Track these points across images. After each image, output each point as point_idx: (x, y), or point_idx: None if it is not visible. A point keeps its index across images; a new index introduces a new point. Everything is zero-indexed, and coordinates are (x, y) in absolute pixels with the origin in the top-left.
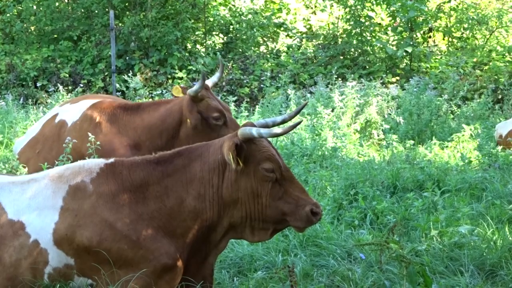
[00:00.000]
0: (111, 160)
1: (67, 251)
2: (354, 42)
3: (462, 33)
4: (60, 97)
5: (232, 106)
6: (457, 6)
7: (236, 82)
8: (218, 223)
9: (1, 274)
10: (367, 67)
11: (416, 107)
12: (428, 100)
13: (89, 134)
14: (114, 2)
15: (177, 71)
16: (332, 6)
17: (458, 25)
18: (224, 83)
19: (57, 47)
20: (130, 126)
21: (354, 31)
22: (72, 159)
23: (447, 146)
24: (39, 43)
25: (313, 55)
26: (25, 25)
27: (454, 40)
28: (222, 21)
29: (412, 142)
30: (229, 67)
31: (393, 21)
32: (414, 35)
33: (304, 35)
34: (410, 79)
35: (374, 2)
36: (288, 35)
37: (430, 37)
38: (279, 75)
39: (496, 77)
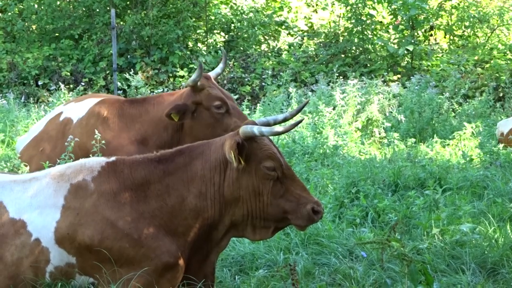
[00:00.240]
0: (113, 158)
1: (68, 249)
2: (356, 40)
3: (463, 31)
4: (62, 95)
5: None
6: (458, 4)
7: (238, 81)
8: (220, 222)
9: (3, 273)
10: (369, 65)
11: (417, 105)
12: (430, 98)
13: (96, 130)
14: (115, 0)
15: (178, 69)
16: (334, 4)
17: (459, 23)
18: (225, 82)
19: (59, 46)
20: (137, 120)
21: (355, 29)
22: (74, 158)
23: (448, 144)
24: (40, 41)
25: (314, 53)
26: (26, 23)
27: (455, 38)
28: (223, 20)
29: (413, 140)
30: (231, 65)
31: (394, 19)
32: (416, 33)
33: (305, 34)
34: (412, 77)
35: (375, 0)
36: (289, 33)
37: (431, 35)
38: (281, 73)
39: (497, 75)
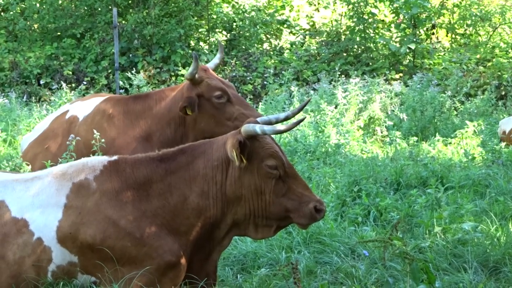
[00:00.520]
0: (115, 157)
1: (70, 248)
2: (357, 39)
3: (465, 30)
4: (64, 94)
5: None
6: (460, 2)
7: (239, 79)
8: (222, 220)
9: (5, 272)
10: (370, 63)
11: (419, 103)
12: (432, 97)
13: (97, 129)
14: None
15: (180, 68)
16: (335, 3)
17: (461, 21)
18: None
19: (60, 45)
20: (141, 116)
21: (357, 28)
22: (79, 155)
23: (450, 143)
24: (42, 40)
25: (316, 52)
26: (28, 22)
27: (457, 36)
28: (225, 18)
29: (415, 138)
30: (233, 64)
31: (396, 17)
32: (417, 32)
33: (307, 32)
34: (414, 75)
35: None
36: (291, 32)
37: (433, 33)
38: (282, 72)
39: (499, 73)
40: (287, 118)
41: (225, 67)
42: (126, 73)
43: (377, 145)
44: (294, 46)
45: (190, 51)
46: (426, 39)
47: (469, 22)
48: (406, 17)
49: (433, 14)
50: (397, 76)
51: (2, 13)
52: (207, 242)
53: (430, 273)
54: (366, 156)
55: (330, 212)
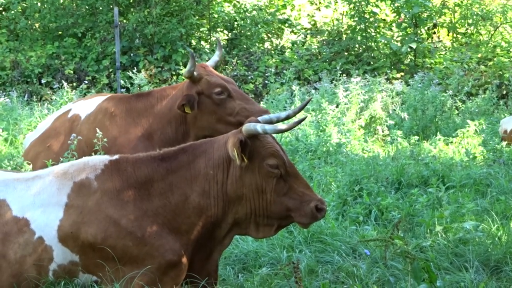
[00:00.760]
0: (116, 156)
1: (72, 248)
2: (359, 38)
3: (467, 29)
4: (65, 93)
5: None
6: (462, 1)
7: (241, 78)
8: (223, 220)
9: (6, 271)
10: (372, 63)
11: (420, 102)
12: (433, 96)
13: (98, 129)
14: None
15: (181, 67)
16: (337, 2)
17: (462, 20)
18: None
19: (62, 44)
20: (143, 115)
21: (358, 27)
22: (81, 154)
23: (451, 142)
24: (43, 40)
25: (317, 51)
26: (29, 22)
27: (458, 35)
28: (226, 18)
29: (416, 137)
30: (234, 63)
31: (397, 17)
32: (419, 31)
33: (308, 31)
34: (415, 75)
35: None
36: (292, 31)
37: (434, 33)
38: (284, 71)
39: (500, 72)
40: (288, 117)
41: (226, 66)
42: (128, 72)
43: (378, 144)
44: (295, 45)
45: (191, 50)
46: (428, 38)
47: (470, 21)
48: (407, 16)
49: (434, 13)
50: (398, 75)
51: (3, 12)
52: (208, 241)
53: (431, 272)
54: (367, 155)
55: (331, 211)
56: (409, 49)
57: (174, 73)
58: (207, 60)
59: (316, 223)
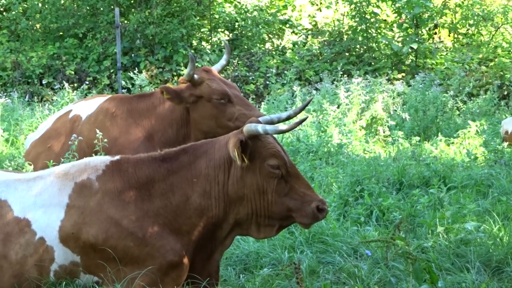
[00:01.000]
0: (117, 157)
1: (73, 248)
2: (360, 38)
3: (468, 30)
4: (66, 94)
5: None
6: (463, 2)
7: (242, 79)
8: (224, 220)
9: (7, 271)
10: (373, 63)
11: (421, 103)
12: (434, 97)
13: (99, 129)
14: None
15: (182, 68)
16: (338, 2)
17: (463, 21)
18: (229, 80)
19: (63, 45)
20: (145, 115)
21: (359, 27)
22: (82, 154)
23: (453, 143)
24: (44, 40)
25: (318, 51)
26: (30, 22)
27: (459, 36)
28: (227, 18)
29: (418, 138)
30: (235, 64)
31: (398, 17)
32: (420, 32)
33: (309, 32)
34: (416, 75)
35: None
36: (293, 32)
37: (435, 33)
38: (285, 71)
39: (501, 73)
40: (289, 118)
41: (227, 67)
42: (129, 73)
43: (379, 145)
44: (296, 46)
45: (192, 51)
46: (429, 39)
47: (471, 22)
48: (408, 16)
49: (435, 14)
50: (399, 76)
51: (4, 13)
52: (209, 242)
53: (432, 273)
54: (369, 156)
55: (333, 212)
56: (410, 50)
57: (175, 73)
58: (208, 61)
59: (317, 224)
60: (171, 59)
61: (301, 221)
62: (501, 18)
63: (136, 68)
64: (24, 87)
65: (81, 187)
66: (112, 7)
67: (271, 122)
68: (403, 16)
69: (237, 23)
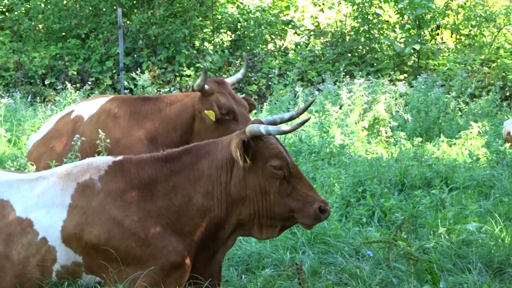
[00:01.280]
0: (119, 157)
1: (75, 248)
2: (362, 39)
3: (470, 31)
4: (68, 95)
5: None
6: (465, 3)
7: (244, 80)
8: (226, 221)
9: (10, 272)
10: (375, 64)
11: (424, 104)
12: (436, 98)
13: (101, 130)
14: (122, 0)
15: (185, 68)
16: (340, 3)
17: (466, 22)
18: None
19: (65, 45)
20: (149, 118)
21: (362, 28)
22: (84, 155)
23: (455, 144)
24: (47, 41)
25: (321, 52)
26: (33, 23)
27: (462, 37)
28: (230, 19)
29: (420, 139)
30: (237, 64)
31: (400, 18)
32: (422, 33)
33: (312, 33)
34: (418, 76)
35: (381, 0)
36: (296, 32)
37: (438, 34)
38: (287, 72)
39: (504, 74)
40: (291, 119)
41: (229, 67)
42: (131, 74)
43: (381, 145)
44: (298, 46)
45: (195, 52)
46: (431, 40)
47: (473, 23)
48: (410, 17)
49: (437, 15)
50: (401, 76)
51: (7, 13)
52: (212, 242)
53: (434, 274)
54: (371, 157)
55: (335, 212)
56: (412, 51)
57: (177, 74)
58: (210, 62)
59: (319, 225)
60: (174, 59)
61: (303, 222)
62: (504, 19)
63: (139, 68)
64: (27, 87)
65: (83, 188)
66: (114, 7)
67: (273, 123)
68: (406, 17)
69: (239, 24)
